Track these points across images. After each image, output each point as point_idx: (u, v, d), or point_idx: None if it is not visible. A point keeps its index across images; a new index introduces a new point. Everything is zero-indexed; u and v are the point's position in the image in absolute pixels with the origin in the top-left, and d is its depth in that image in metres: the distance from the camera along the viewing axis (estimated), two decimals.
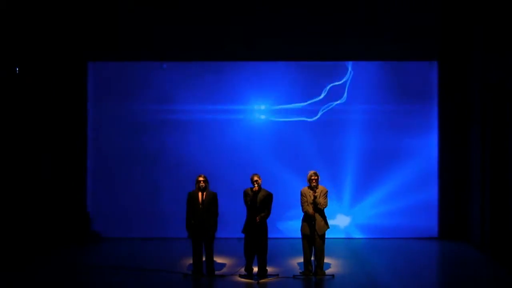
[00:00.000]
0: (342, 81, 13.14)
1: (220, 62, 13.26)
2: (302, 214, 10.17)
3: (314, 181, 10.06)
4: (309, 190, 10.10)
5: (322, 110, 13.16)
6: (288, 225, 12.60)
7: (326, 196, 10.12)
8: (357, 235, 13.16)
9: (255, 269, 10.12)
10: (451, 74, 13.06)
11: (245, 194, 10.10)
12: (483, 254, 11.71)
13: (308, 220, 10.08)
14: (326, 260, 10.43)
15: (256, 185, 10.00)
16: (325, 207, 10.10)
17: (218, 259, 10.87)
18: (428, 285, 10.04)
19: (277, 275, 10.16)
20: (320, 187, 10.13)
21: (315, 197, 10.01)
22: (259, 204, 9.98)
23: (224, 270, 10.52)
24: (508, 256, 10.91)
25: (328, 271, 10.29)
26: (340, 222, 13.06)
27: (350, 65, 13.13)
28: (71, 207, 13.04)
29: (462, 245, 12.55)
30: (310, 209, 10.02)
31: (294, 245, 11.29)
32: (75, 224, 12.93)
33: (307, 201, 10.06)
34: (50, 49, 12.85)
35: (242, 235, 10.16)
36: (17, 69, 12.15)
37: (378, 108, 13.16)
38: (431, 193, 13.18)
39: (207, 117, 13.24)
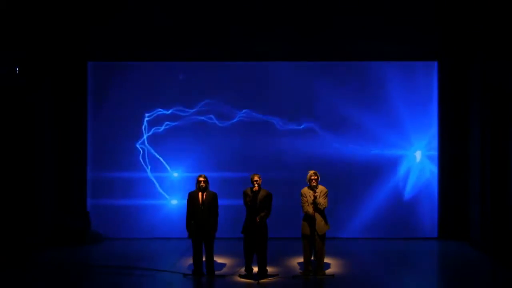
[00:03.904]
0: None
1: (220, 62, 13.26)
2: (303, 214, 10.18)
3: (314, 181, 10.06)
4: (309, 190, 10.10)
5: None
6: None
7: (326, 196, 10.12)
8: (357, 235, 13.16)
9: (255, 269, 10.12)
10: (451, 74, 13.07)
11: (245, 194, 10.10)
12: (483, 254, 11.71)
13: (308, 220, 10.09)
14: (326, 260, 10.44)
15: (256, 185, 10.00)
16: (325, 207, 10.10)
17: (218, 259, 10.88)
18: (428, 285, 10.04)
19: (277, 275, 10.16)
20: (320, 187, 10.13)
21: (315, 197, 10.01)
22: (259, 204, 9.99)
23: (224, 270, 10.52)
24: (508, 256, 10.91)
25: (328, 271, 10.30)
26: None
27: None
28: (71, 207, 13.03)
29: (462, 245, 12.55)
30: (310, 209, 10.02)
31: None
32: (75, 224, 12.92)
33: (307, 201, 10.06)
34: (50, 49, 12.86)
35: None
36: (17, 69, 12.14)
37: (378, 108, 13.16)
38: (431, 193, 13.19)
39: (207, 117, 13.24)
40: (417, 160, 13.21)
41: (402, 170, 13.21)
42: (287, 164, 13.02)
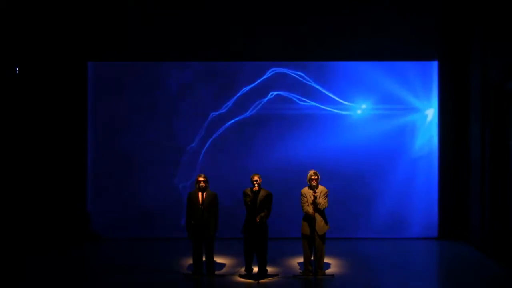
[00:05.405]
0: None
1: (220, 62, 13.27)
2: (303, 214, 10.18)
3: (314, 181, 10.06)
4: (309, 190, 10.10)
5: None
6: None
7: (326, 196, 10.12)
8: (357, 235, 13.16)
9: (255, 269, 10.12)
10: (451, 74, 13.08)
11: (245, 194, 10.09)
12: (483, 254, 11.71)
13: (308, 220, 10.08)
14: (326, 260, 10.44)
15: (256, 185, 10.00)
16: (325, 207, 10.10)
17: (218, 259, 10.87)
18: (428, 285, 10.04)
19: (277, 275, 10.16)
20: (320, 187, 10.13)
21: (315, 197, 10.01)
22: (259, 204, 9.98)
23: (224, 270, 10.52)
24: (508, 256, 10.91)
25: (328, 271, 10.30)
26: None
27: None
28: (71, 207, 13.04)
29: (462, 245, 12.55)
30: (310, 210, 10.02)
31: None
32: (75, 224, 12.93)
33: (307, 201, 10.06)
34: (50, 49, 12.86)
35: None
36: (17, 69, 12.16)
37: (378, 108, 13.16)
38: (431, 193, 13.19)
39: (206, 117, 13.25)
40: (418, 158, 13.26)
41: (402, 170, 13.21)
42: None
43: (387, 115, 13.16)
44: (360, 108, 13.14)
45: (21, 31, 12.22)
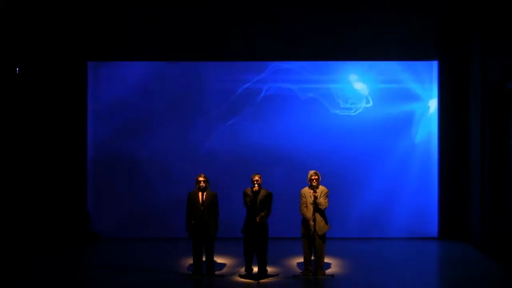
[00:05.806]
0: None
1: (219, 62, 13.27)
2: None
3: (314, 180, 10.05)
4: (309, 190, 10.09)
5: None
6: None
7: (327, 196, 10.11)
8: (357, 235, 13.15)
9: (255, 269, 10.12)
10: (451, 74, 13.07)
11: (245, 194, 10.09)
12: (483, 254, 11.71)
13: (305, 221, 10.07)
14: (326, 260, 10.43)
15: (256, 185, 10.00)
16: (326, 207, 10.09)
17: (218, 259, 10.87)
18: (428, 285, 10.04)
19: (277, 275, 10.16)
20: (321, 187, 10.12)
21: (315, 197, 10.00)
22: (259, 204, 9.98)
23: (224, 270, 10.51)
24: (508, 256, 10.91)
25: (328, 271, 10.30)
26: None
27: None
28: (71, 207, 13.03)
29: (462, 245, 12.55)
30: (307, 214, 9.99)
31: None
32: (75, 224, 12.92)
33: (305, 202, 10.05)
34: (50, 49, 12.86)
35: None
36: (17, 69, 12.16)
37: (378, 108, 13.16)
38: (431, 193, 13.19)
39: (206, 118, 13.25)
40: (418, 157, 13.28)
41: (402, 170, 13.21)
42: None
43: (387, 116, 13.16)
44: (358, 108, 13.15)
45: (21, 31, 12.22)
